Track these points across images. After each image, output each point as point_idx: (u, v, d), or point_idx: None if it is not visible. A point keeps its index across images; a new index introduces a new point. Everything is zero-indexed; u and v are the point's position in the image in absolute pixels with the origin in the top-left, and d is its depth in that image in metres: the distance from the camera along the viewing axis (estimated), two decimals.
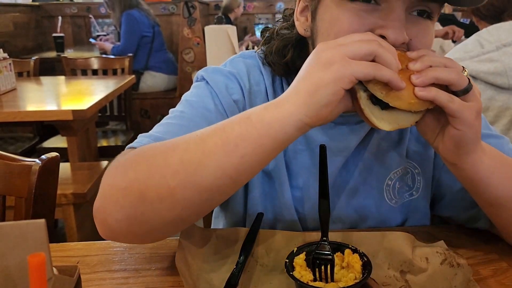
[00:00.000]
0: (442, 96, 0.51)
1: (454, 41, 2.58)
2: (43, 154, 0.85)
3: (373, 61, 0.49)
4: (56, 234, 1.99)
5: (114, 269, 0.62)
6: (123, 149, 0.61)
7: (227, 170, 0.50)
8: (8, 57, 2.11)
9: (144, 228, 0.53)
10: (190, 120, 0.64)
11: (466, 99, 0.52)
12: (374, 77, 0.48)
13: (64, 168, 1.86)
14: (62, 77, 2.75)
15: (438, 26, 2.61)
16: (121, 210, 0.51)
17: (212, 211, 0.80)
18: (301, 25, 0.66)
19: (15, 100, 2.00)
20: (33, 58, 2.83)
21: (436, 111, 0.53)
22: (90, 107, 1.80)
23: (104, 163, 1.96)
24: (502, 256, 0.64)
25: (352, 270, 0.55)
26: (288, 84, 0.71)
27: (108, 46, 3.54)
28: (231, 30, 3.15)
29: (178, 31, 3.87)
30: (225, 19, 3.82)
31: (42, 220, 0.35)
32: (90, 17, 4.32)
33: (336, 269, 0.56)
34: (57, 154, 0.87)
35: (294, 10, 0.70)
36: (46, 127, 2.67)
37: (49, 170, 0.84)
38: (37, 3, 4.42)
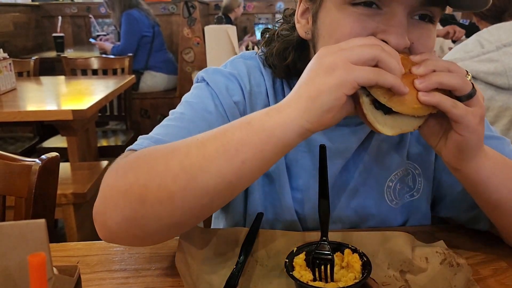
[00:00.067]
0: (445, 102, 0.50)
1: (454, 41, 2.58)
2: (43, 154, 0.85)
3: (376, 66, 0.48)
4: (56, 234, 1.99)
5: (114, 269, 0.62)
6: (123, 149, 0.61)
7: (228, 175, 0.50)
8: (8, 57, 2.11)
9: (144, 231, 0.53)
10: (190, 122, 0.64)
11: (470, 104, 0.51)
12: (377, 83, 0.48)
13: (64, 168, 1.86)
14: (62, 77, 2.75)
15: (438, 26, 2.61)
16: (121, 213, 0.51)
17: None
18: (302, 28, 0.65)
19: (15, 100, 2.00)
20: (33, 58, 2.83)
21: (439, 116, 0.53)
22: (90, 107, 1.80)
23: (104, 163, 1.96)
24: (502, 256, 0.64)
25: (351, 270, 0.55)
26: (289, 86, 0.71)
27: (108, 46, 3.54)
28: (231, 30, 3.15)
29: (178, 31, 3.87)
30: (225, 19, 3.81)
31: (42, 220, 0.35)
32: (90, 17, 4.31)
33: (336, 269, 0.56)
34: (57, 154, 0.87)
35: (294, 10, 0.69)
36: (46, 127, 2.67)
37: (49, 170, 0.84)
38: (37, 3, 4.42)
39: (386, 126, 0.52)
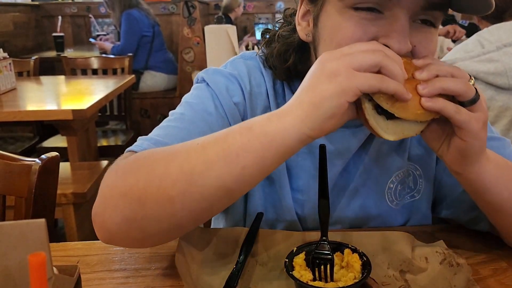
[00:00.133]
0: (449, 107, 0.50)
1: (454, 41, 2.58)
2: (43, 154, 0.85)
3: (378, 72, 0.48)
4: (56, 234, 1.99)
5: (114, 268, 0.62)
6: (123, 149, 0.61)
7: (228, 181, 0.50)
8: (8, 56, 2.11)
9: (144, 232, 0.53)
10: (190, 123, 0.63)
11: (473, 109, 0.51)
12: (380, 90, 0.47)
13: (64, 167, 1.86)
14: (62, 77, 2.76)
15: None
16: (120, 214, 0.51)
17: None
18: (302, 30, 0.65)
19: (15, 100, 2.00)
20: (33, 57, 2.83)
21: (441, 120, 0.53)
22: (90, 106, 1.80)
23: (104, 162, 1.96)
24: (502, 256, 0.64)
25: (351, 269, 0.55)
26: (290, 87, 0.71)
27: (108, 45, 3.54)
28: (231, 29, 3.15)
29: (178, 30, 3.87)
30: (225, 19, 3.81)
31: (42, 220, 0.35)
32: (90, 17, 4.31)
33: (335, 268, 0.56)
34: (57, 153, 0.87)
35: (295, 10, 0.69)
36: (46, 126, 2.67)
37: (49, 170, 0.84)
38: (37, 3, 4.42)
39: (388, 132, 0.51)
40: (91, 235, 0.55)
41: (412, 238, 0.63)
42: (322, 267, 0.55)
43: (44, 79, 2.62)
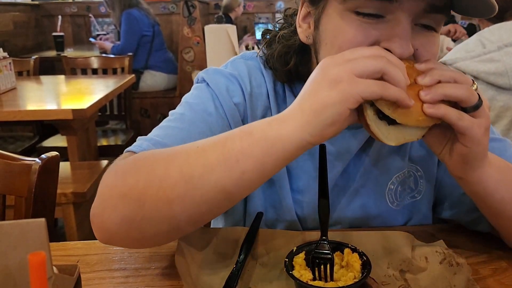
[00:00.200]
0: (451, 114, 0.50)
1: (454, 41, 2.58)
2: (43, 154, 0.85)
3: (381, 78, 0.48)
4: (56, 233, 1.99)
5: (114, 268, 0.62)
6: (123, 149, 0.61)
7: (227, 185, 0.49)
8: (8, 56, 2.11)
9: (142, 234, 0.53)
10: (190, 124, 0.63)
11: (475, 115, 0.51)
12: (382, 97, 0.47)
13: (64, 167, 1.86)
14: (62, 76, 2.76)
15: None
16: (119, 215, 0.51)
17: None
18: (303, 32, 0.64)
19: (15, 99, 2.01)
20: (33, 57, 2.83)
21: (443, 125, 0.52)
22: (90, 106, 1.80)
23: (104, 162, 1.96)
24: (502, 255, 0.64)
25: (351, 269, 0.55)
26: (290, 89, 0.70)
27: (108, 45, 3.54)
28: (231, 29, 3.15)
29: (178, 30, 3.87)
30: (225, 19, 3.81)
31: (42, 219, 0.35)
32: (90, 16, 4.31)
33: (335, 268, 0.56)
34: (57, 153, 0.87)
35: (295, 10, 0.69)
36: (46, 126, 2.67)
37: (49, 169, 0.84)
38: (37, 2, 4.42)
39: (390, 137, 0.51)
40: (91, 235, 0.55)
41: (412, 238, 0.63)
42: (322, 266, 0.55)
43: (44, 78, 2.62)
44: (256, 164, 0.49)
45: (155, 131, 0.63)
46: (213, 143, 0.52)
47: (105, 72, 2.92)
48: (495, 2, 0.52)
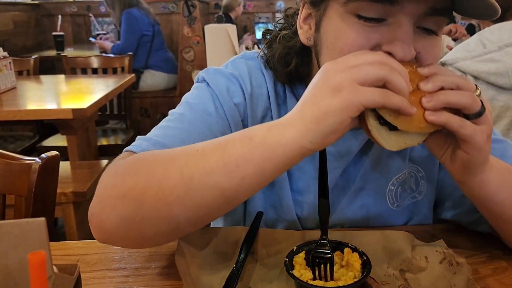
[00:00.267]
0: (453, 121, 0.49)
1: (454, 40, 2.58)
2: (43, 153, 0.85)
3: (383, 85, 0.47)
4: (56, 233, 1.99)
5: (114, 267, 0.62)
6: (123, 148, 0.61)
7: (226, 190, 0.49)
8: (8, 55, 2.11)
9: (141, 234, 0.53)
10: (190, 124, 0.63)
11: (478, 122, 0.51)
12: (384, 105, 0.46)
13: (64, 166, 1.86)
14: (62, 76, 2.75)
15: None
16: (118, 215, 0.51)
17: None
18: (304, 34, 0.64)
19: (15, 99, 2.00)
20: (33, 57, 2.83)
21: (445, 130, 0.52)
22: (90, 106, 1.80)
23: (104, 161, 1.96)
24: (502, 255, 0.64)
25: (351, 269, 0.55)
26: (291, 90, 0.70)
27: (108, 45, 3.54)
28: (231, 29, 3.15)
29: (178, 30, 3.87)
30: (225, 18, 3.81)
31: (43, 219, 0.35)
32: (90, 16, 4.31)
33: (335, 268, 0.56)
34: (57, 152, 0.87)
35: (295, 10, 0.69)
36: (46, 125, 2.67)
37: (49, 169, 0.84)
38: (36, 2, 4.42)
39: (391, 142, 0.51)
40: (91, 234, 0.55)
41: (412, 237, 0.63)
42: (322, 266, 0.55)
43: (44, 78, 2.62)
44: (256, 170, 0.49)
45: (154, 131, 0.63)
46: (213, 146, 0.51)
47: (105, 71, 2.92)
48: (497, 5, 0.52)
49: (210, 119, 0.65)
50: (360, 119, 0.50)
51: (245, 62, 0.72)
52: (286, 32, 0.69)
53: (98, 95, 1.99)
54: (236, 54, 3.05)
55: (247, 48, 3.81)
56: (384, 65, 0.47)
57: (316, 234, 0.60)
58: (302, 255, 0.57)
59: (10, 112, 1.75)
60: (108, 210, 0.52)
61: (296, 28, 0.66)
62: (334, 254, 0.57)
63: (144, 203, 0.50)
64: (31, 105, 1.92)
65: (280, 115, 0.70)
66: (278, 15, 4.48)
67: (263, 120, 0.70)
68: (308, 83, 0.71)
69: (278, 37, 0.69)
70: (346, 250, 0.57)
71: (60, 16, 3.93)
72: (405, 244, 0.62)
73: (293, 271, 0.54)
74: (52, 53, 3.76)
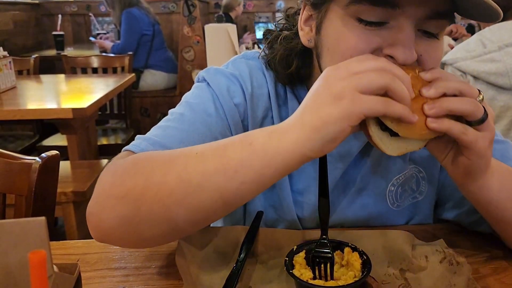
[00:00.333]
0: (455, 129, 0.49)
1: (455, 40, 2.59)
2: (43, 152, 0.85)
3: (385, 93, 0.47)
4: (56, 232, 1.99)
5: (114, 267, 0.62)
6: (123, 148, 0.61)
7: (225, 195, 0.49)
8: (8, 55, 2.11)
9: (139, 235, 0.53)
10: (189, 124, 0.63)
11: (480, 128, 0.50)
12: (385, 114, 0.46)
13: (64, 166, 1.86)
14: (62, 76, 2.75)
15: None
16: (117, 217, 0.51)
17: None
18: (305, 36, 0.63)
19: (15, 98, 2.00)
20: (33, 56, 2.83)
21: (446, 134, 0.51)
22: (90, 105, 1.80)
23: (104, 161, 1.96)
24: (502, 254, 0.64)
25: (351, 268, 0.55)
26: (292, 90, 0.70)
27: (108, 44, 3.54)
28: (231, 28, 3.15)
29: (178, 29, 3.87)
30: (226, 18, 3.81)
31: (43, 218, 0.35)
32: (90, 16, 4.31)
33: (335, 267, 0.56)
34: (57, 152, 0.87)
35: (296, 10, 0.68)
36: (46, 125, 2.67)
37: (49, 168, 0.84)
38: (36, 1, 4.41)
39: (392, 147, 0.51)
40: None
41: (412, 237, 0.63)
42: (322, 265, 0.55)
43: (44, 77, 2.62)
44: (255, 176, 0.48)
45: (154, 131, 0.63)
46: (212, 150, 0.51)
47: (105, 71, 2.92)
48: (500, 9, 0.51)
49: (210, 120, 0.65)
50: (361, 124, 0.50)
51: (246, 62, 0.72)
52: (287, 33, 0.69)
53: (98, 95, 1.99)
54: (236, 53, 3.05)
55: (247, 48, 3.81)
56: (386, 73, 0.47)
57: (316, 234, 0.60)
58: (302, 254, 0.57)
59: (10, 111, 1.75)
60: (107, 210, 0.52)
61: (297, 29, 0.65)
62: (334, 254, 0.57)
63: (143, 205, 0.50)
64: (31, 105, 1.92)
65: (280, 116, 0.70)
66: (278, 14, 4.48)
67: (263, 120, 0.70)
68: (309, 84, 0.70)
69: (279, 38, 0.69)
70: (346, 249, 0.57)
71: (60, 16, 3.93)
72: (405, 243, 0.62)
73: (293, 270, 0.54)
74: (52, 52, 3.76)
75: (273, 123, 0.70)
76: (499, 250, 0.65)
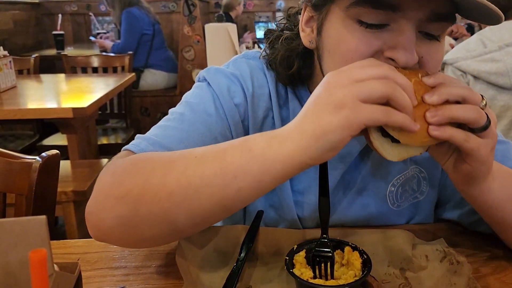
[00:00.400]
0: (457, 136, 0.49)
1: (455, 39, 2.59)
2: (43, 152, 0.85)
3: (387, 102, 0.46)
4: (56, 232, 1.99)
5: (115, 266, 0.62)
6: (123, 147, 0.61)
7: (223, 200, 0.49)
8: (8, 54, 2.11)
9: (138, 236, 0.53)
10: (189, 124, 0.63)
11: (483, 135, 0.50)
12: (386, 124, 0.46)
13: (64, 165, 1.86)
14: (62, 75, 2.75)
15: None
16: (116, 217, 0.51)
17: None
18: (306, 37, 0.63)
19: (15, 98, 2.00)
20: (33, 55, 2.83)
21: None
22: (90, 105, 1.80)
23: (104, 160, 1.96)
24: (502, 254, 0.64)
25: (352, 267, 0.55)
26: (293, 91, 0.70)
27: (108, 44, 3.54)
28: (231, 28, 3.15)
29: (178, 29, 3.86)
30: (226, 17, 3.81)
31: (43, 217, 0.35)
32: (90, 15, 4.31)
33: (336, 266, 0.56)
34: (58, 151, 0.87)
35: (297, 9, 0.68)
36: (46, 124, 2.67)
37: (50, 168, 0.84)
38: (37, 1, 4.41)
39: (393, 153, 0.51)
40: None
41: (412, 236, 0.63)
42: (323, 265, 0.55)
43: (44, 77, 2.62)
44: (254, 182, 0.48)
45: (153, 130, 0.63)
46: (212, 154, 0.51)
47: (105, 70, 2.92)
48: (501, 13, 0.51)
49: (210, 120, 0.64)
50: (362, 130, 0.49)
51: (246, 62, 0.72)
52: (288, 33, 0.69)
53: (98, 94, 1.99)
54: (236, 53, 3.05)
55: (247, 47, 3.81)
56: (388, 81, 0.46)
57: (316, 233, 0.60)
58: (302, 253, 0.57)
59: (10, 111, 1.75)
60: (106, 209, 0.52)
61: (298, 30, 0.65)
62: (335, 253, 0.57)
63: (142, 206, 0.50)
64: (32, 104, 1.92)
65: (281, 116, 0.70)
66: (278, 14, 4.48)
67: (264, 120, 0.70)
68: (310, 85, 0.70)
69: (281, 39, 0.68)
70: (347, 248, 0.57)
71: (60, 15, 3.92)
72: (406, 243, 0.62)
73: (294, 269, 0.54)
74: (52, 52, 3.76)
75: (273, 123, 0.70)
76: (499, 249, 0.65)
